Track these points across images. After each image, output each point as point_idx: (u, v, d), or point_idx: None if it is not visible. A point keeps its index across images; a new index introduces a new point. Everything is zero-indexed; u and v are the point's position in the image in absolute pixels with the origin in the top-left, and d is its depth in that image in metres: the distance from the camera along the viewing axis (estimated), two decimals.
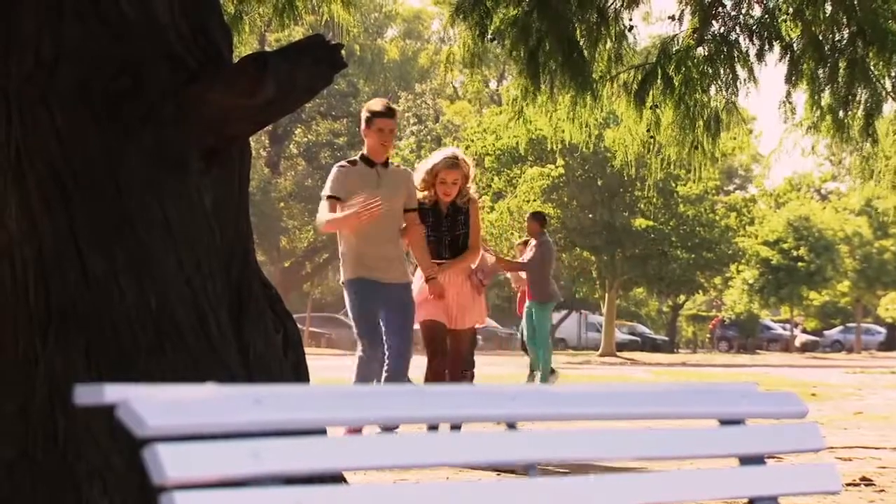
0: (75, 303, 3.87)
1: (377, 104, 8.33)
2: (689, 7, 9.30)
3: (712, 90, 9.45)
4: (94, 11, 4.07)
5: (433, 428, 6.48)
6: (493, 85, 61.79)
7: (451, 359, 8.76)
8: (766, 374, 25.23)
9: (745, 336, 61.18)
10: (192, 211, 4.08)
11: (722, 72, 9.29)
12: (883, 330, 64.13)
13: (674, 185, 41.85)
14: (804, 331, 62.63)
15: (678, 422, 2.89)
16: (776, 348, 60.20)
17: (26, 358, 3.88)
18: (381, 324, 8.33)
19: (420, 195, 8.57)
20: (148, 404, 2.14)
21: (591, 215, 43.03)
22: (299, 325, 5.02)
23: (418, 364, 8.86)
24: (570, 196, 42.76)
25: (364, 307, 8.24)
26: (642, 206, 43.14)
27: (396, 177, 8.35)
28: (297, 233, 56.85)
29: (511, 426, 2.63)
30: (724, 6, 9.31)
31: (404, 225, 8.44)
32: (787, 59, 9.25)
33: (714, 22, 9.29)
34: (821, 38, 9.12)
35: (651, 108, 9.46)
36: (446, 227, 8.69)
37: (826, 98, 9.40)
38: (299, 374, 4.51)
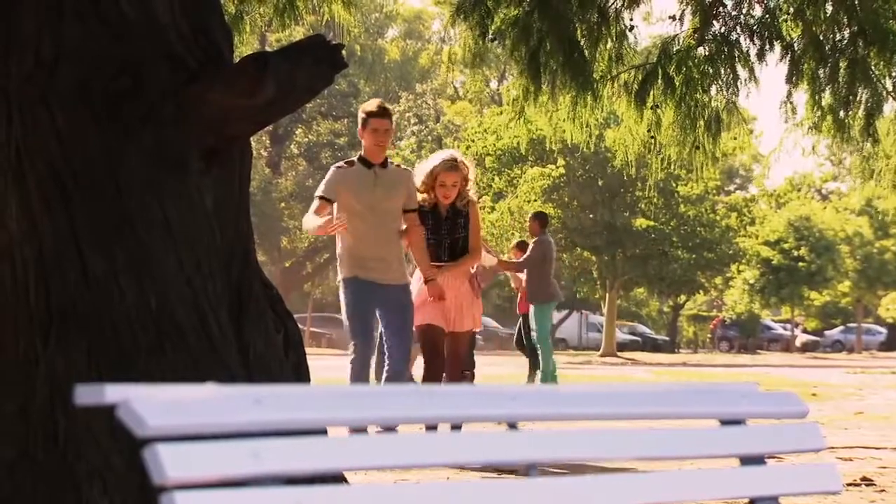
0: (76, 303, 3.87)
1: (371, 105, 8.32)
2: (689, 7, 9.30)
3: (713, 90, 9.45)
4: (95, 11, 4.07)
5: (432, 428, 6.47)
6: (493, 85, 61.78)
7: (449, 362, 8.74)
8: (766, 375, 25.23)
9: (745, 336, 61.18)
10: (193, 211, 4.08)
11: (723, 72, 9.29)
12: (884, 330, 64.11)
13: (674, 185, 41.84)
14: (805, 331, 62.62)
15: (679, 422, 2.89)
16: (777, 348, 60.19)
17: (27, 358, 3.88)
18: (382, 325, 8.32)
19: (419, 198, 8.56)
20: (148, 404, 2.14)
21: (591, 215, 43.02)
22: (300, 325, 5.02)
23: (417, 364, 8.85)
24: (570, 196, 42.75)
25: (358, 307, 8.21)
26: (643, 206, 43.14)
27: (395, 177, 8.31)
28: (298, 233, 56.83)
29: (512, 426, 2.63)
30: (724, 6, 9.31)
31: (405, 227, 8.42)
32: (788, 58, 9.25)
33: (715, 22, 9.29)
34: (821, 37, 9.12)
35: (652, 108, 9.46)
36: (446, 230, 8.67)
37: (827, 98, 9.40)
38: (300, 374, 4.51)
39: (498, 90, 59.28)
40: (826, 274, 53.77)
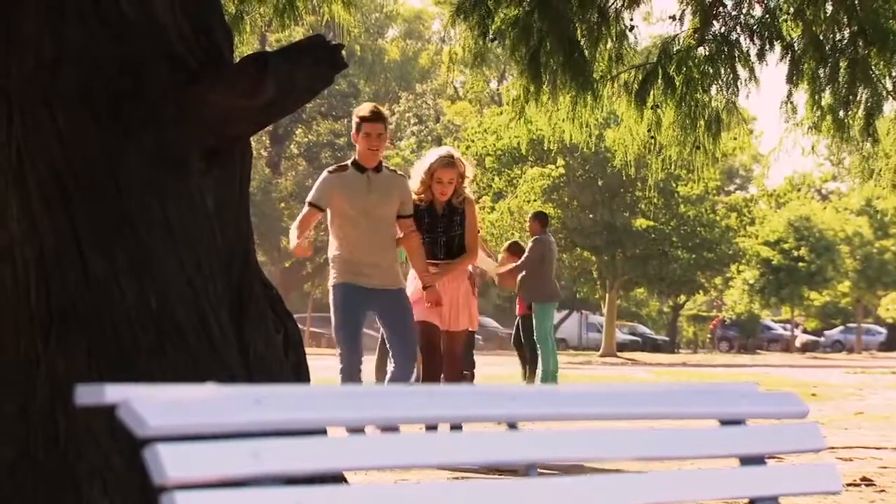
0: (76, 303, 3.87)
1: (364, 109, 8.23)
2: (689, 7, 9.30)
3: (713, 90, 9.44)
4: (95, 12, 4.07)
5: (432, 428, 6.47)
6: (493, 85, 61.78)
7: (446, 361, 8.72)
8: (766, 375, 25.23)
9: (745, 336, 61.18)
10: (193, 211, 4.08)
11: (723, 72, 9.29)
12: (883, 330, 64.10)
13: (674, 185, 41.84)
14: (805, 331, 62.62)
15: (679, 422, 2.89)
16: (777, 348, 60.19)
17: (27, 358, 3.88)
18: (384, 330, 8.28)
19: (415, 197, 8.50)
20: (148, 404, 2.15)
21: (591, 215, 43.02)
22: (300, 326, 5.02)
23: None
24: (570, 196, 42.75)
25: (347, 314, 8.14)
26: (643, 206, 43.13)
27: (389, 183, 8.21)
28: None
29: (512, 426, 2.63)
30: (724, 6, 9.31)
31: (401, 234, 8.35)
32: (788, 58, 9.25)
33: (715, 22, 9.29)
34: (822, 37, 9.11)
35: (652, 108, 9.45)
36: (442, 228, 8.63)
37: (826, 98, 9.39)
38: (300, 374, 4.51)
39: (498, 90, 59.29)
40: (826, 274, 53.76)
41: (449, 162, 8.59)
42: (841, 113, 9.45)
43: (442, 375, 8.73)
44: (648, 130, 9.74)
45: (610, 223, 42.49)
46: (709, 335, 64.84)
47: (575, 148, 32.83)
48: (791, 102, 9.71)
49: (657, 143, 9.94)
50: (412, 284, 8.70)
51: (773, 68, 9.45)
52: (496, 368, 22.85)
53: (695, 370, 30.30)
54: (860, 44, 9.01)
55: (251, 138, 4.55)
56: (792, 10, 9.16)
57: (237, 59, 4.33)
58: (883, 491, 7.33)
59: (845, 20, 9.06)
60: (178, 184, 4.05)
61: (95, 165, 3.98)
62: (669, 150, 9.89)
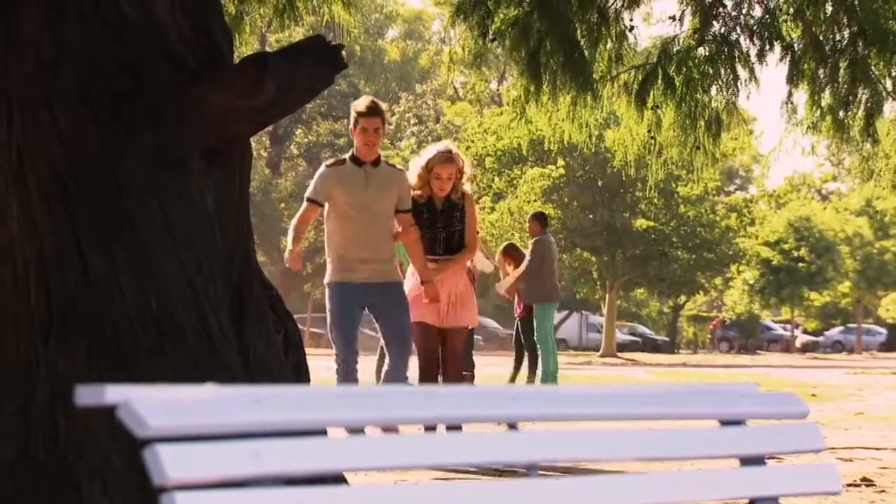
0: (76, 303, 3.87)
1: (361, 104, 8.18)
2: (689, 7, 9.30)
3: (713, 90, 9.44)
4: (95, 12, 4.07)
5: (431, 429, 6.45)
6: (493, 85, 61.80)
7: (446, 359, 8.66)
8: (766, 375, 25.22)
9: (745, 337, 61.17)
10: (194, 211, 4.08)
11: (723, 72, 9.29)
12: (884, 331, 64.10)
13: (674, 185, 41.84)
14: (805, 331, 62.61)
15: (679, 422, 2.89)
16: (777, 349, 60.19)
17: (27, 358, 3.88)
18: (378, 325, 8.27)
19: (414, 192, 8.46)
20: (149, 405, 2.15)
21: (591, 216, 43.03)
22: (300, 326, 5.02)
23: (413, 363, 8.80)
24: (570, 196, 42.76)
25: (341, 312, 8.12)
26: (643, 206, 43.14)
27: (388, 177, 8.18)
28: None
29: (512, 427, 2.63)
30: (724, 6, 9.31)
31: (400, 229, 8.33)
32: (788, 59, 9.25)
33: (715, 22, 9.29)
34: (821, 38, 9.11)
35: (652, 108, 9.45)
36: (441, 224, 8.58)
37: (826, 98, 9.39)
38: (300, 374, 4.51)
39: (498, 90, 59.29)
40: (826, 274, 53.75)
41: (447, 157, 8.55)
42: (841, 113, 9.45)
43: (440, 376, 8.67)
44: (648, 131, 9.74)
45: (610, 223, 42.50)
46: (709, 335, 64.83)
47: (575, 148, 32.85)
48: (791, 103, 9.71)
49: (657, 143, 9.94)
50: (410, 281, 8.67)
51: (773, 69, 9.46)
52: (497, 369, 22.83)
53: (695, 370, 30.30)
54: (860, 44, 9.01)
55: (251, 139, 4.55)
56: (792, 10, 9.16)
57: (237, 60, 4.33)
58: (883, 491, 7.33)
59: (845, 20, 9.06)
60: (178, 184, 4.05)
61: (95, 165, 3.98)
62: (669, 150, 9.90)
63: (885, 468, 8.46)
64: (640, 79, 9.40)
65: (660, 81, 9.31)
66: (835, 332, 63.21)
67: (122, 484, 3.73)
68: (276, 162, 59.87)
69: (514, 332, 17.05)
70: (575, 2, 8.78)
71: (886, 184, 10.76)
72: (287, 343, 4.47)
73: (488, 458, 2.62)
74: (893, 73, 9.35)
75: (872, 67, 9.20)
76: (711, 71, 9.27)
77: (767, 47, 9.21)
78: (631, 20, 9.22)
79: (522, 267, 15.62)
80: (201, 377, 3.69)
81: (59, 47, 4.01)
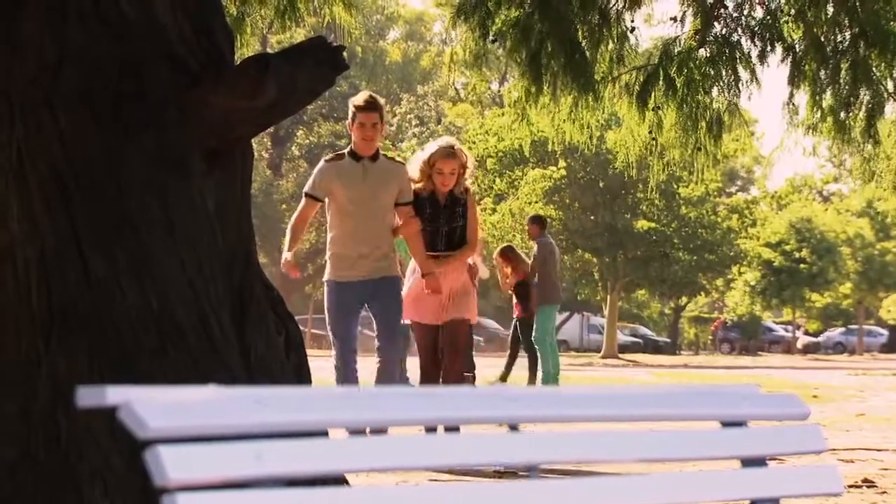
0: (77, 303, 3.87)
1: (359, 99, 8.16)
2: (690, 8, 9.30)
3: (714, 92, 9.44)
4: (95, 12, 4.07)
5: (431, 430, 6.45)
6: (494, 87, 61.81)
7: (448, 356, 8.58)
8: (767, 376, 25.20)
9: (746, 338, 61.15)
10: (195, 212, 4.08)
11: (724, 73, 9.28)
12: (885, 332, 64.08)
13: (676, 186, 41.84)
14: (806, 333, 62.60)
15: (680, 423, 2.89)
16: (778, 350, 60.17)
17: (28, 358, 3.88)
18: (373, 318, 8.24)
19: (416, 186, 8.42)
20: (149, 406, 2.14)
21: (592, 217, 43.03)
22: (301, 327, 5.02)
23: (413, 364, 8.78)
24: (571, 198, 42.76)
25: (339, 310, 8.11)
26: (644, 207, 43.15)
27: (387, 171, 8.16)
28: None
29: (513, 428, 2.63)
30: (725, 7, 9.31)
31: (400, 222, 8.29)
32: (790, 60, 9.24)
33: (716, 23, 9.29)
34: (823, 39, 9.11)
35: (653, 109, 9.45)
36: (444, 219, 8.53)
37: (828, 99, 9.39)
38: (301, 375, 4.51)
39: (499, 92, 59.31)
40: (827, 276, 53.74)
41: (450, 153, 8.50)
42: (842, 114, 9.44)
43: (442, 373, 8.61)
44: (650, 132, 9.73)
45: (611, 225, 42.50)
46: (710, 337, 64.82)
47: (576, 149, 32.83)
48: (792, 104, 9.70)
49: (658, 144, 9.93)
50: (411, 279, 8.64)
51: (775, 70, 9.46)
52: (497, 370, 22.83)
53: (696, 372, 30.29)
54: (861, 45, 9.01)
55: (252, 140, 4.55)
56: (793, 11, 9.15)
57: (238, 61, 4.33)
58: (884, 492, 7.32)
59: (846, 22, 9.06)
60: (179, 185, 4.05)
61: (96, 166, 3.98)
62: (671, 151, 9.89)
63: (886, 469, 8.46)
64: (641, 80, 9.40)
65: (661, 82, 9.31)
66: (836, 334, 63.19)
67: (122, 485, 3.73)
68: (277, 163, 59.88)
69: (511, 333, 17.06)
70: (576, 3, 8.77)
71: (887, 185, 10.76)
72: (288, 344, 4.47)
73: (489, 460, 2.62)
74: (894, 75, 9.35)
75: (874, 68, 9.19)
76: (713, 72, 9.27)
77: (769, 48, 9.21)
78: (632, 21, 9.23)
79: (532, 271, 15.61)
80: (202, 378, 3.69)
81: (59, 48, 4.01)
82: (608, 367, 33.31)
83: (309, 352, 4.82)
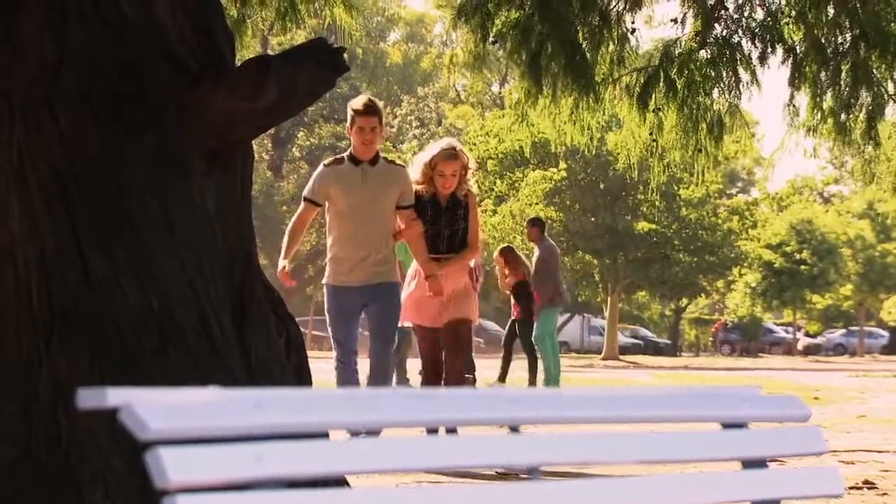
0: (77, 304, 3.87)
1: (358, 102, 8.14)
2: (691, 10, 9.30)
3: (715, 93, 9.44)
4: (95, 12, 4.07)
5: (433, 431, 6.44)
6: (495, 88, 61.81)
7: (449, 357, 8.56)
8: (768, 378, 25.20)
9: (747, 339, 61.16)
10: (195, 213, 4.08)
11: (725, 75, 9.28)
12: (886, 333, 64.09)
13: (676, 188, 41.86)
14: (807, 334, 62.60)
15: (681, 425, 2.89)
16: (779, 351, 60.19)
17: (29, 359, 3.88)
18: (368, 322, 8.22)
19: (418, 188, 8.40)
20: (150, 407, 2.14)
21: (593, 219, 43.04)
22: (302, 329, 5.02)
23: (414, 366, 8.78)
24: (572, 199, 42.77)
25: (338, 314, 8.11)
26: (645, 209, 43.16)
27: (387, 174, 8.12)
28: None
29: (514, 429, 2.62)
30: (726, 9, 9.31)
31: (403, 225, 8.28)
32: (790, 61, 9.24)
33: (716, 25, 9.29)
34: (823, 40, 9.11)
35: (654, 111, 9.44)
36: (445, 221, 8.50)
37: (828, 101, 9.39)
38: (302, 377, 4.51)
39: (500, 93, 59.31)
40: (828, 277, 53.76)
41: (451, 154, 8.47)
42: (842, 116, 9.44)
43: (444, 373, 8.60)
44: (650, 133, 9.73)
45: (612, 226, 42.51)
46: (711, 338, 64.82)
47: (577, 151, 32.85)
48: (793, 105, 9.70)
49: (659, 146, 9.93)
50: (412, 283, 8.63)
51: (775, 71, 9.46)
52: (498, 372, 22.83)
53: (697, 373, 30.28)
54: (862, 47, 9.01)
55: (253, 141, 4.55)
56: (793, 13, 9.15)
57: (239, 63, 4.33)
58: (885, 494, 7.32)
59: (847, 23, 9.06)
60: (179, 185, 4.05)
61: (96, 166, 3.98)
62: (671, 153, 9.89)
63: (887, 471, 8.45)
64: (641, 81, 9.39)
65: (662, 84, 9.31)
66: (837, 335, 63.20)
67: (123, 486, 3.73)
68: (277, 165, 59.90)
69: (505, 333, 17.02)
70: (576, 4, 8.77)
71: (888, 187, 10.76)
72: (289, 346, 4.47)
73: (490, 461, 2.62)
74: (895, 76, 9.35)
75: (874, 70, 9.19)
76: (713, 73, 9.27)
77: (769, 50, 9.21)
78: (633, 23, 9.23)
79: (541, 273, 15.58)
80: (203, 378, 3.69)
81: (59, 48, 4.01)
82: (609, 369, 33.31)
83: (309, 353, 4.82)
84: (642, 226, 42.90)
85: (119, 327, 3.86)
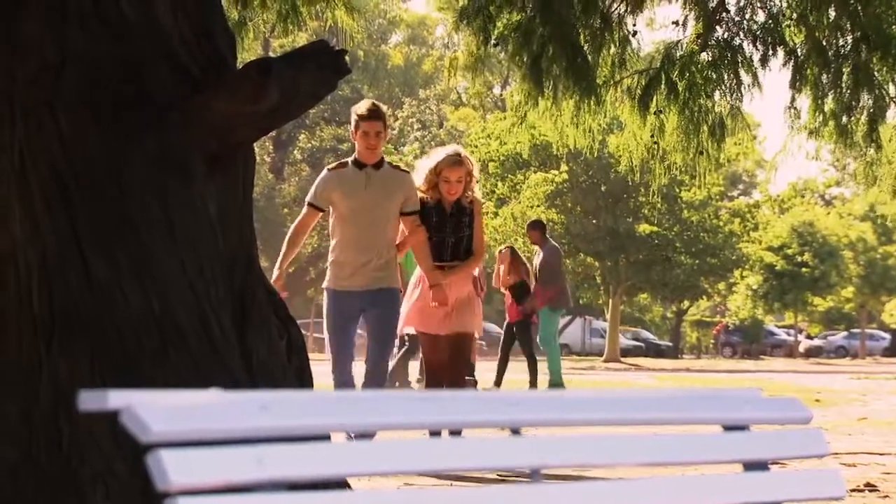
0: (78, 306, 3.87)
1: (362, 107, 8.12)
2: (692, 13, 9.30)
3: (716, 95, 9.43)
4: (96, 14, 4.07)
5: (435, 434, 6.45)
6: (497, 90, 61.82)
7: (449, 368, 8.54)
8: (770, 380, 25.19)
9: (749, 342, 61.14)
10: (196, 216, 4.08)
11: (726, 77, 9.28)
12: (887, 335, 64.06)
13: (678, 190, 41.86)
14: (808, 336, 62.59)
15: (682, 427, 2.89)
16: (780, 354, 60.17)
17: (30, 361, 3.88)
18: (367, 326, 8.21)
19: (422, 195, 8.36)
20: (151, 410, 2.14)
21: (594, 221, 43.04)
22: (303, 331, 5.01)
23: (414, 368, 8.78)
24: (573, 202, 42.78)
25: (336, 320, 8.11)
26: (646, 211, 43.16)
27: (390, 179, 8.09)
28: None
29: (515, 432, 2.62)
30: (727, 11, 9.31)
31: (407, 232, 8.24)
32: (791, 64, 9.24)
33: (718, 27, 9.29)
34: (825, 43, 9.11)
35: (655, 113, 9.44)
36: (450, 228, 8.46)
37: (829, 103, 9.39)
38: (303, 379, 4.51)
39: (501, 95, 59.32)
40: (829, 279, 53.76)
41: (456, 160, 8.44)
42: (844, 119, 9.44)
43: (445, 379, 8.61)
44: (652, 136, 9.72)
45: (613, 229, 42.51)
46: (712, 340, 64.81)
47: (578, 153, 32.84)
48: (794, 108, 9.70)
49: (660, 148, 9.93)
50: (415, 291, 8.61)
51: (777, 74, 9.48)
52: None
53: (698, 375, 30.26)
54: (863, 49, 9.01)
55: (254, 144, 4.55)
56: (795, 15, 9.15)
57: (240, 65, 4.33)
58: (886, 496, 7.32)
59: (848, 26, 9.05)
60: (180, 187, 4.05)
61: (97, 168, 3.98)
62: (673, 155, 9.88)
63: (888, 473, 8.45)
64: (643, 84, 9.39)
65: (663, 86, 9.30)
66: (838, 338, 63.19)
67: (124, 489, 3.73)
68: (279, 167, 59.90)
69: (503, 338, 17.00)
70: (578, 7, 8.77)
71: (889, 189, 10.75)
72: (290, 348, 4.47)
73: (492, 464, 2.62)
74: None
75: (875, 73, 9.19)
76: (715, 76, 9.27)
77: (771, 52, 9.21)
78: (634, 25, 9.22)
79: (549, 276, 15.56)
80: (203, 380, 3.69)
81: (61, 49, 4.01)
82: (610, 371, 33.30)
83: (311, 356, 4.81)
84: (644, 228, 42.89)
85: (120, 329, 3.86)
